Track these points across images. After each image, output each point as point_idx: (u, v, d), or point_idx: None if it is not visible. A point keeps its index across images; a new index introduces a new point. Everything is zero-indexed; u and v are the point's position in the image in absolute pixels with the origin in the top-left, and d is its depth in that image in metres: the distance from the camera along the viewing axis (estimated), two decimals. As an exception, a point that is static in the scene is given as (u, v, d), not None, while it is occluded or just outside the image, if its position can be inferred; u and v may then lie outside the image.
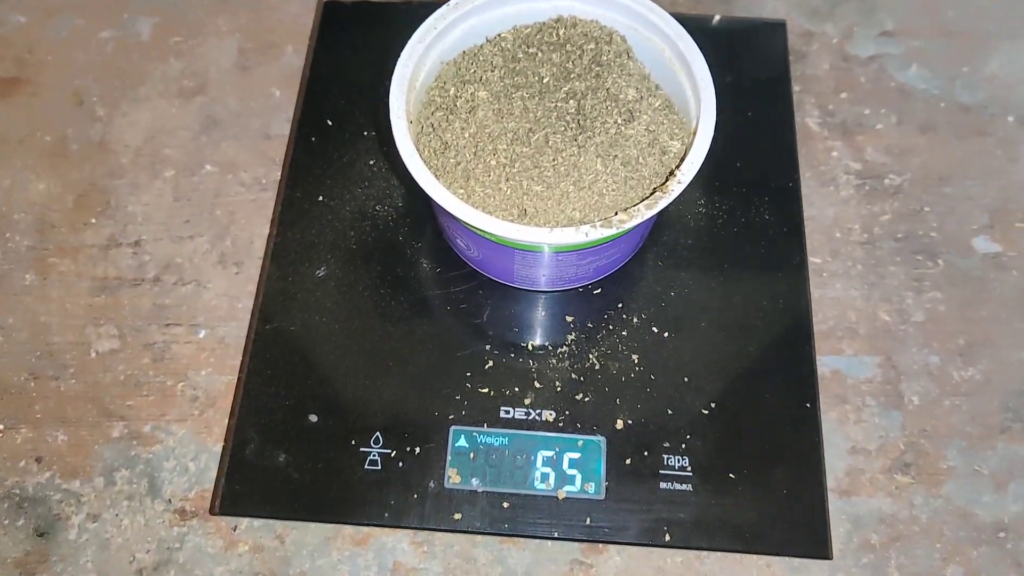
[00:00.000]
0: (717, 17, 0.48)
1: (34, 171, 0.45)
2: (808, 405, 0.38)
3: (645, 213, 0.32)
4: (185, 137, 0.46)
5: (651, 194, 0.34)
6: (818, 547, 0.35)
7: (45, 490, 0.38)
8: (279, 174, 0.45)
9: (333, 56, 0.46)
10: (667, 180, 0.34)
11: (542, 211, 0.34)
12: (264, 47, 0.49)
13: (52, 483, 0.38)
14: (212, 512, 0.37)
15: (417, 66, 0.36)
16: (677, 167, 0.34)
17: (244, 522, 0.37)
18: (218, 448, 0.39)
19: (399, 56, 0.35)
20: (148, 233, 0.44)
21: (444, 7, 0.36)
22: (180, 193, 0.45)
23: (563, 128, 0.35)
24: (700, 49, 0.36)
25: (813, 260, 0.43)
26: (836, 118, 0.47)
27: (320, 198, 0.42)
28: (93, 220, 0.44)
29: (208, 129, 0.47)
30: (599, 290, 0.40)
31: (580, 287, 0.40)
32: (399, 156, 0.33)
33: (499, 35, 0.38)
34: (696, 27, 0.36)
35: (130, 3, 0.50)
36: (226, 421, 0.39)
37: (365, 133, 0.44)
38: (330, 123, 0.44)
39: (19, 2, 0.50)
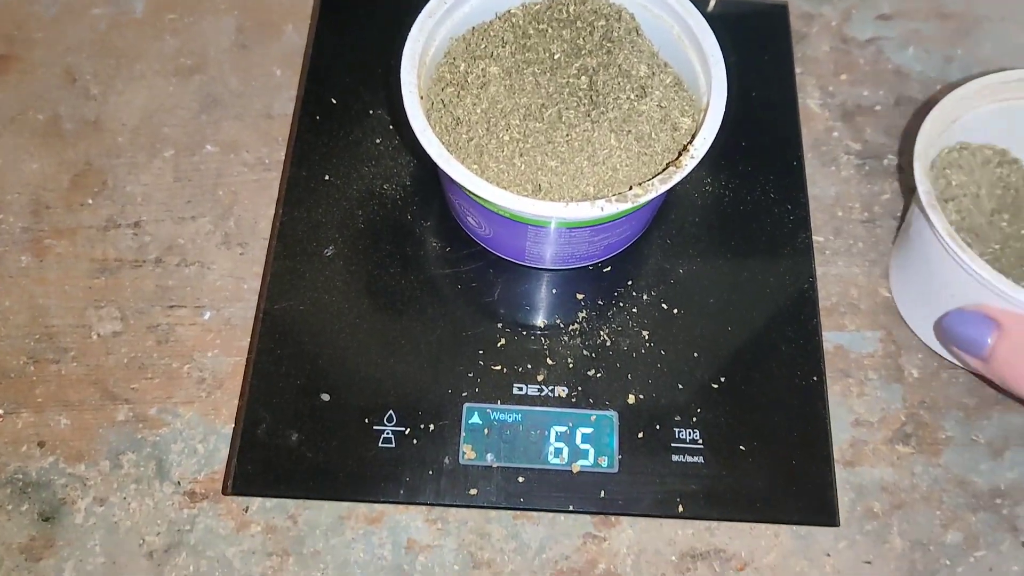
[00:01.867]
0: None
1: (27, 150, 0.44)
2: (814, 379, 0.39)
3: (660, 187, 0.33)
4: (184, 116, 0.46)
5: (664, 169, 0.34)
6: (826, 515, 0.36)
7: (49, 475, 0.37)
8: (282, 154, 0.44)
9: (335, 34, 0.46)
10: (679, 155, 0.34)
11: (556, 186, 0.34)
12: (263, 25, 0.48)
13: (56, 467, 0.37)
14: (224, 492, 0.36)
15: (427, 42, 0.36)
16: (689, 143, 0.34)
17: (256, 502, 0.37)
18: (227, 430, 0.38)
19: (408, 31, 0.35)
20: (148, 214, 0.43)
21: (454, -19, 0.36)
22: (180, 173, 0.44)
23: (576, 104, 0.35)
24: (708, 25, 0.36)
25: (816, 238, 0.44)
26: (836, 99, 0.48)
27: (326, 177, 0.42)
28: (90, 200, 0.43)
29: (208, 108, 0.46)
30: (608, 268, 0.41)
31: (590, 265, 0.40)
32: (411, 132, 0.33)
33: (509, 11, 0.38)
34: (700, 8, 0.37)
35: (121, -21, 0.49)
36: (234, 402, 0.39)
37: (370, 112, 0.43)
38: (334, 102, 0.44)
39: (5, -23, 0.49)
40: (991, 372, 0.34)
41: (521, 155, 0.34)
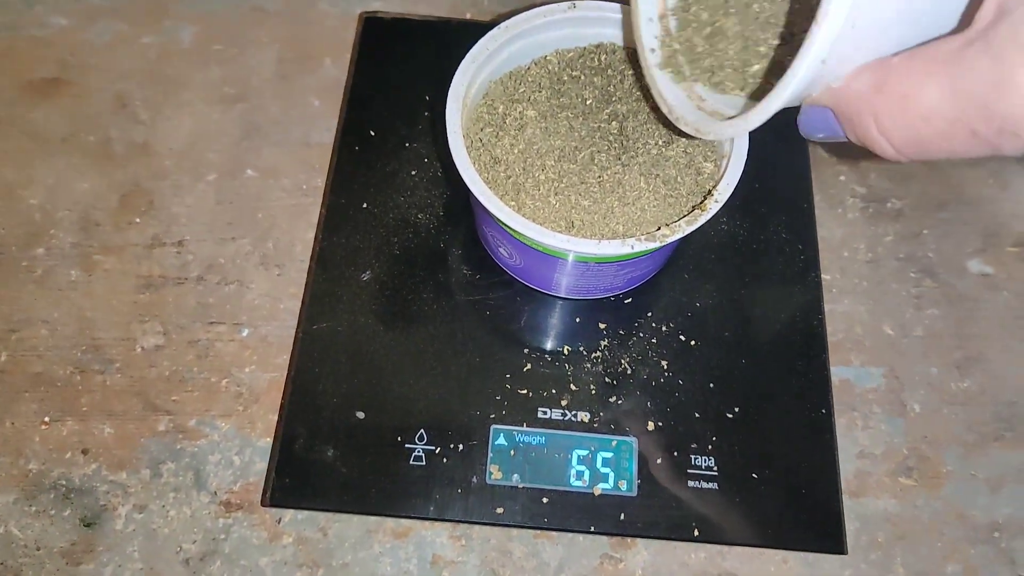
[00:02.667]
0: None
1: (78, 170, 0.46)
2: (823, 411, 0.41)
3: (686, 229, 0.35)
4: (227, 142, 0.48)
5: (689, 211, 0.36)
6: (834, 543, 0.38)
7: (92, 481, 0.39)
8: (319, 180, 0.47)
9: (374, 69, 0.48)
10: (704, 199, 0.36)
11: (588, 224, 0.36)
12: (303, 58, 0.51)
13: (98, 474, 0.39)
14: (263, 504, 0.38)
15: (469, 84, 0.38)
16: (713, 187, 0.36)
17: (288, 514, 0.39)
18: (262, 443, 0.40)
19: (442, 67, 0.38)
20: (191, 234, 0.45)
21: (496, 29, 0.39)
22: (222, 196, 0.46)
23: (607, 147, 0.37)
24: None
25: (824, 276, 0.46)
26: (843, 145, 0.50)
27: (364, 205, 0.44)
28: (137, 220, 0.45)
29: (249, 135, 0.48)
30: (630, 299, 0.43)
31: (612, 296, 0.43)
32: (448, 166, 0.35)
33: (544, 57, 0.40)
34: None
35: (171, 10, 0.52)
36: (269, 416, 0.41)
37: (407, 144, 0.46)
38: (372, 134, 0.46)
39: (59, 5, 0.52)
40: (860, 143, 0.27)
41: (556, 194, 0.36)
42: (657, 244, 0.35)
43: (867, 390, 0.44)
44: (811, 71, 0.23)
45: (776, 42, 0.31)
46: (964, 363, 0.45)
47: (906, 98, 0.22)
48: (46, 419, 0.40)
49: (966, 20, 0.22)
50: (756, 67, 0.32)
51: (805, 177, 0.47)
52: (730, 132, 0.30)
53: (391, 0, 0.53)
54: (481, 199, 0.35)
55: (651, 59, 0.35)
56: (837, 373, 0.44)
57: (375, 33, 0.49)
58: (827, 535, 0.38)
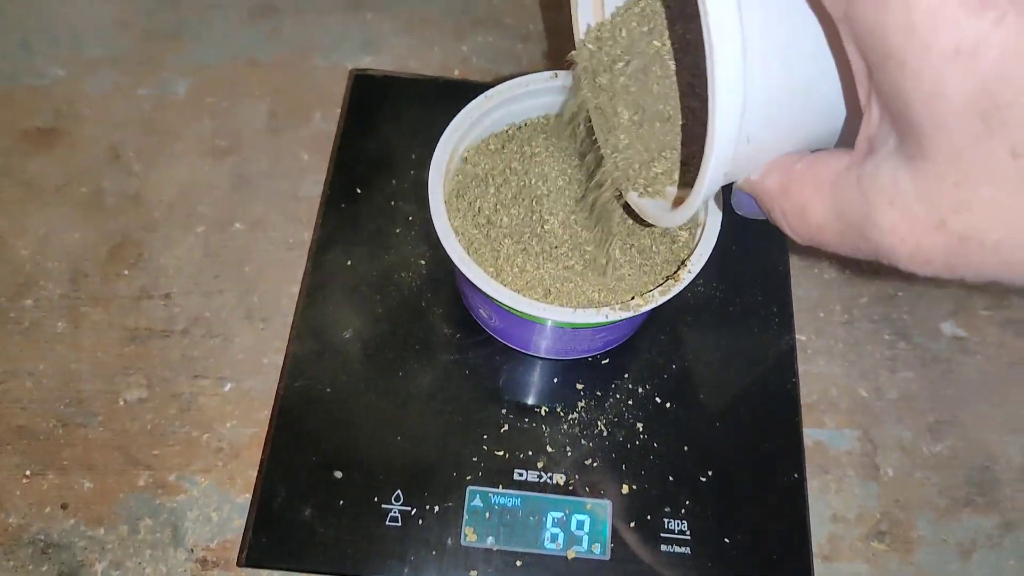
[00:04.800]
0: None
1: (69, 220, 0.47)
2: (795, 475, 0.41)
3: (659, 299, 0.36)
4: (217, 195, 0.49)
5: (664, 281, 0.37)
6: (804, 609, 0.38)
7: (70, 536, 0.39)
8: (306, 234, 0.48)
9: (362, 125, 0.49)
10: (678, 269, 0.37)
11: (564, 292, 0.37)
12: (294, 111, 0.52)
13: (77, 530, 0.39)
14: (239, 564, 0.38)
15: (452, 151, 0.39)
16: (688, 257, 0.37)
17: (264, 574, 0.39)
18: (241, 499, 0.41)
19: (430, 128, 0.39)
20: (178, 286, 0.46)
21: (479, 98, 0.40)
22: (210, 249, 0.47)
23: (584, 216, 0.38)
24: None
25: (799, 337, 0.47)
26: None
27: (348, 262, 0.45)
28: (126, 272, 0.46)
29: (239, 188, 0.49)
30: (607, 360, 0.44)
31: (589, 357, 0.43)
32: (432, 229, 0.36)
33: (526, 122, 0.41)
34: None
35: (167, 63, 0.53)
36: (249, 472, 0.41)
37: (392, 203, 0.47)
38: (359, 191, 0.47)
39: (58, 56, 0.53)
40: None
41: (533, 262, 0.37)
42: (631, 313, 0.35)
43: (841, 452, 0.44)
44: (714, 184, 0.25)
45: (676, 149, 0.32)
46: (937, 427, 0.46)
47: (803, 208, 0.23)
48: (27, 472, 0.40)
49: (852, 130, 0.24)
50: (661, 170, 0.32)
51: (781, 239, 0.48)
52: (666, 223, 0.32)
53: (381, 56, 0.54)
54: (460, 266, 0.36)
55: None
56: (811, 435, 0.44)
57: (364, 89, 0.51)
58: (798, 601, 0.39)
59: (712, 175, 0.24)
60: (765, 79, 0.22)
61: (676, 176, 0.32)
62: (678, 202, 0.32)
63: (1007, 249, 0.18)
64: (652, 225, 0.34)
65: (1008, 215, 0.18)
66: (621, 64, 0.31)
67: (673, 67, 0.30)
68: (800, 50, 0.23)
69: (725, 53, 0.21)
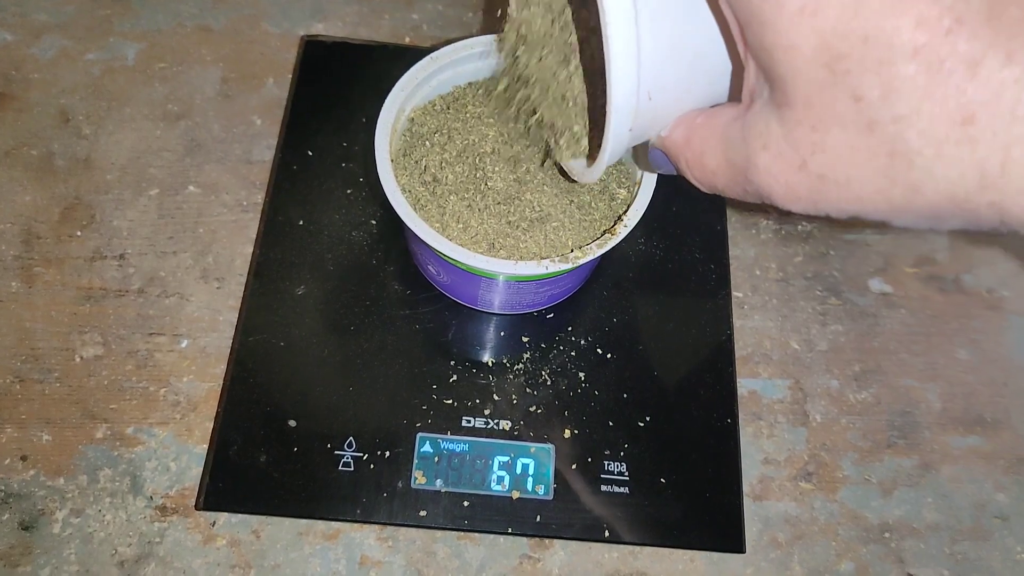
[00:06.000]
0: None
1: (20, 183, 0.47)
2: (729, 421, 0.44)
3: (596, 252, 0.38)
4: (169, 158, 0.49)
5: (602, 235, 0.39)
6: (734, 543, 0.41)
7: (30, 487, 0.40)
8: (260, 197, 0.49)
9: (313, 90, 0.50)
10: (615, 224, 0.39)
11: (507, 246, 0.39)
12: (246, 77, 0.53)
13: (37, 480, 0.40)
14: (197, 507, 0.40)
15: (399, 112, 0.41)
16: (624, 212, 0.39)
17: (222, 518, 0.41)
18: (198, 450, 0.42)
19: (379, 93, 0.40)
20: (133, 247, 0.46)
21: (425, 60, 0.41)
22: (164, 211, 0.48)
23: (526, 173, 0.40)
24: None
25: (736, 294, 0.49)
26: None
27: (300, 223, 0.46)
28: (79, 233, 0.47)
29: (192, 152, 0.50)
30: (551, 315, 0.46)
31: (535, 311, 0.45)
32: (383, 192, 0.37)
33: (470, 84, 0.43)
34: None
35: (116, 27, 0.53)
36: (206, 425, 0.42)
37: (343, 164, 0.48)
38: (310, 153, 0.48)
39: (5, 20, 0.53)
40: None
41: (477, 217, 0.38)
42: (570, 265, 0.37)
43: (773, 401, 0.47)
44: (619, 139, 0.27)
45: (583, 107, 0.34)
46: (863, 376, 0.49)
47: (702, 155, 0.26)
48: (-15, 427, 0.41)
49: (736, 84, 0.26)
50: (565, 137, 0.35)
51: (719, 200, 0.50)
52: (586, 179, 0.34)
53: (333, 23, 0.55)
54: (407, 222, 0.37)
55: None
56: (745, 384, 0.47)
57: (316, 56, 0.52)
58: (728, 535, 0.41)
59: (616, 130, 0.26)
60: (655, 40, 0.24)
61: (584, 142, 0.34)
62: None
63: (857, 185, 0.21)
64: (575, 181, 0.36)
65: (855, 155, 0.20)
66: (539, 54, 0.33)
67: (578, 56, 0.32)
68: (686, 13, 0.25)
69: (616, 16, 0.23)
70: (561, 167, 0.37)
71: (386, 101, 0.40)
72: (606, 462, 0.42)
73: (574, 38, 0.32)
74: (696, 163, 0.26)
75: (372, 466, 0.40)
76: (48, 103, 0.50)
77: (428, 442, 0.41)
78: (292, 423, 0.41)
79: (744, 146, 0.23)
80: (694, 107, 0.27)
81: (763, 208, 0.53)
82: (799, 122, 0.21)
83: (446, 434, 0.42)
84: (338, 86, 0.51)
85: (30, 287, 0.45)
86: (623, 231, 0.38)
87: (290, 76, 0.53)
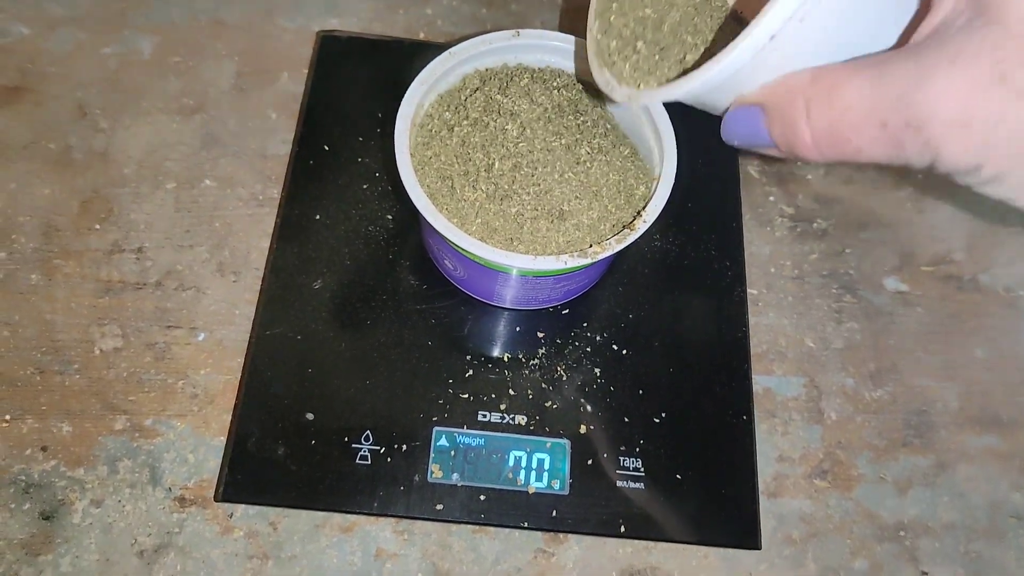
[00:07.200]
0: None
1: (39, 176, 0.48)
2: (744, 418, 0.44)
3: (615, 247, 0.38)
4: (185, 152, 0.50)
5: (620, 231, 0.39)
6: (749, 539, 0.41)
7: (50, 477, 0.41)
8: (275, 191, 0.49)
9: (329, 85, 0.50)
10: (634, 219, 0.39)
11: (527, 241, 0.39)
12: (261, 72, 0.53)
13: (57, 471, 0.41)
14: (216, 499, 0.40)
15: (417, 107, 0.41)
16: (643, 208, 0.39)
17: (240, 509, 0.41)
18: (216, 442, 0.42)
19: (395, 86, 0.40)
20: (150, 241, 0.47)
21: (444, 54, 0.41)
22: (181, 204, 0.48)
23: (546, 169, 0.40)
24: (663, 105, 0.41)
25: (751, 291, 0.49)
26: (773, 167, 0.54)
27: (317, 217, 0.46)
28: (97, 226, 0.47)
29: (208, 146, 0.50)
30: (567, 311, 0.46)
31: (551, 307, 0.45)
32: (397, 183, 0.37)
33: (490, 75, 0.43)
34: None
35: (131, 21, 0.53)
36: (223, 417, 0.43)
37: (359, 159, 0.48)
38: (326, 148, 0.48)
39: (21, 13, 0.53)
40: (784, 153, 0.28)
41: (497, 212, 0.39)
42: (589, 260, 0.37)
43: (788, 398, 0.47)
44: (759, 45, 0.24)
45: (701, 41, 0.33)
46: (878, 374, 0.48)
47: (834, 87, 0.23)
48: (7, 417, 0.42)
49: (904, 39, 0.25)
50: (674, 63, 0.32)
51: (735, 197, 0.50)
52: (665, 94, 0.29)
53: (347, 18, 0.55)
54: (426, 216, 0.37)
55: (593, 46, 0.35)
56: (760, 382, 0.47)
57: (331, 51, 0.52)
58: (743, 532, 0.41)
59: (769, 20, 0.23)
60: None
61: (692, 58, 0.32)
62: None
63: None
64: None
65: None
66: None
67: None
68: None
69: None
70: (605, 145, 0.37)
71: (406, 95, 0.40)
72: (621, 458, 0.42)
73: None
74: (823, 99, 0.24)
75: (389, 459, 0.41)
76: (65, 96, 0.50)
77: (444, 436, 0.41)
78: (309, 416, 0.41)
79: (915, 68, 0.22)
80: (828, 60, 0.25)
81: (791, 200, 0.53)
82: (1012, 36, 0.20)
83: (462, 428, 0.42)
84: (353, 81, 0.51)
85: (50, 279, 0.45)
86: (642, 226, 0.38)
87: (304, 71, 0.53)
